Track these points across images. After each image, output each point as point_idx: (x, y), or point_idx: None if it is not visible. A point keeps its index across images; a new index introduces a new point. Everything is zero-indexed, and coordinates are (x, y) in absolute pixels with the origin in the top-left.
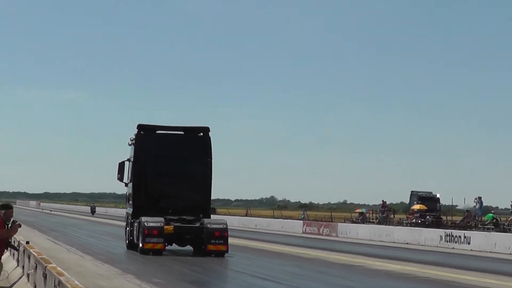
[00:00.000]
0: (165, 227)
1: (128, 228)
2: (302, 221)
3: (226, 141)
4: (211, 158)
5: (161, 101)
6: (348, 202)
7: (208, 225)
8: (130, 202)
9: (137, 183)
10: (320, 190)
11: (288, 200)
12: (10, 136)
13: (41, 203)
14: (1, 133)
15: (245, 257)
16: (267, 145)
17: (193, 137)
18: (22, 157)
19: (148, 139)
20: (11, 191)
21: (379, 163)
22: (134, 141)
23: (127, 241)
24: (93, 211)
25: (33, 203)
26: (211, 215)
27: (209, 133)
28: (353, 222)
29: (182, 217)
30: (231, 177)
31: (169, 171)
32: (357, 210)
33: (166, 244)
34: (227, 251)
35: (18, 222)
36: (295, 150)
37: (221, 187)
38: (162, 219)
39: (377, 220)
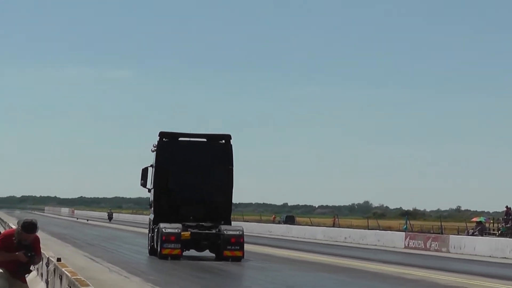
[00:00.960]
0: (182, 233)
1: (149, 234)
2: (404, 233)
3: (306, 137)
4: (233, 166)
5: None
6: (462, 208)
7: (225, 232)
8: (152, 208)
9: (159, 190)
10: (426, 194)
11: (387, 207)
12: (37, 128)
13: (76, 211)
14: (27, 124)
15: (334, 279)
16: (359, 139)
17: (215, 144)
18: (52, 153)
19: (170, 146)
20: (38, 195)
21: (502, 160)
22: (156, 148)
23: (149, 247)
24: (110, 217)
25: (65, 210)
26: (293, 224)
27: (231, 140)
28: (468, 234)
29: (200, 223)
30: (313, 178)
31: (191, 178)
32: (474, 219)
33: (184, 249)
34: (243, 257)
35: (31, 255)
36: (395, 145)
37: (301, 191)
38: (179, 225)
39: (499, 232)
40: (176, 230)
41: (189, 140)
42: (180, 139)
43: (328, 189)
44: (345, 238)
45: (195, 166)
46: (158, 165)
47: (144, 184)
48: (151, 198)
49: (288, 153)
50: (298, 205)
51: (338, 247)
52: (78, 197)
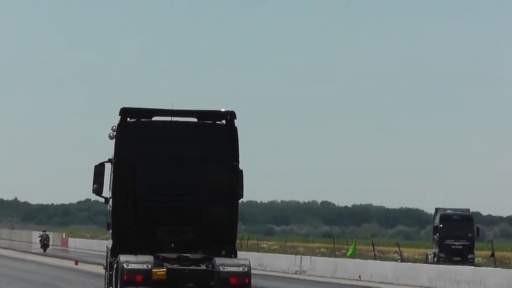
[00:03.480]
0: (154, 270)
1: (107, 273)
2: None
3: None
4: (238, 161)
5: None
6: None
7: (221, 268)
8: (111, 230)
9: (120, 200)
10: None
11: None
12: None
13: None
14: None
15: None
16: None
17: (210, 127)
18: None
19: (138, 130)
20: None
21: None
22: (116, 133)
23: None
24: (45, 245)
25: None
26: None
27: (235, 120)
28: None
29: (184, 255)
30: None
31: (172, 181)
32: None
33: None
34: None
35: None
36: None
37: None
38: (151, 257)
39: None
40: (145, 266)
41: (170, 121)
42: (154, 118)
43: None
44: None
45: (179, 162)
46: (120, 161)
47: (98, 190)
48: (109, 214)
49: None
50: None
51: None
52: (21, 203)
